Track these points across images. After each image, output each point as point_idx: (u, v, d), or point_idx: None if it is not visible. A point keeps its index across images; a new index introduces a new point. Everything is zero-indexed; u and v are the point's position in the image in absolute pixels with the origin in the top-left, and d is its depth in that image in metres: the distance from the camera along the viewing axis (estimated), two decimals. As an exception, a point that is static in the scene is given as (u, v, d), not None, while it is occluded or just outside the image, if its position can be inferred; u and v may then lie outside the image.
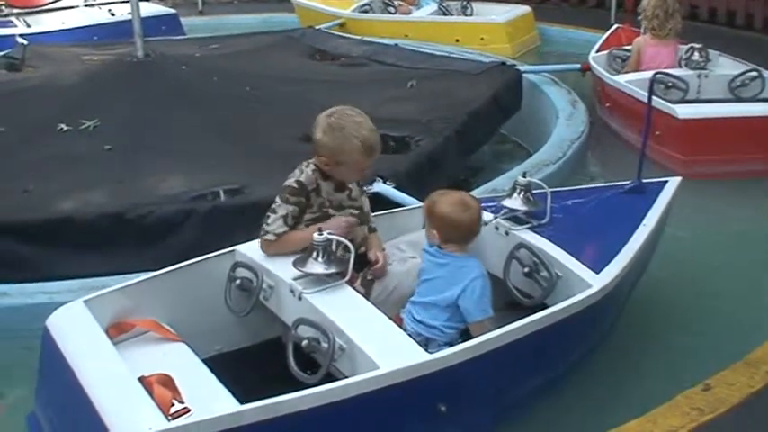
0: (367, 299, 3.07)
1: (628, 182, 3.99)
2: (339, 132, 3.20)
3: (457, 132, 5.52)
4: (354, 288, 3.11)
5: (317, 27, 9.27)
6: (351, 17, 10.36)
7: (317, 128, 3.26)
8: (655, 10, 6.53)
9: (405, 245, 3.53)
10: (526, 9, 10.18)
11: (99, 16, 10.42)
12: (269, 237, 3.23)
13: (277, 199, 3.28)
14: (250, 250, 3.33)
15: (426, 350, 2.82)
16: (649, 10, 6.56)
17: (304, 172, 3.29)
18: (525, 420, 3.16)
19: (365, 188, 3.56)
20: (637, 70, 6.52)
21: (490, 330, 2.91)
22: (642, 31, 6.73)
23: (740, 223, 5.05)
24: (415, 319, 3.17)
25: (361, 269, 3.31)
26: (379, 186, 4.45)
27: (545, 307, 3.07)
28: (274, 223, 3.23)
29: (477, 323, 3.09)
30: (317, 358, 2.88)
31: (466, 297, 3.11)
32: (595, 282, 3.15)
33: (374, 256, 3.36)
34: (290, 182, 3.28)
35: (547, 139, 5.94)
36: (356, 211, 3.40)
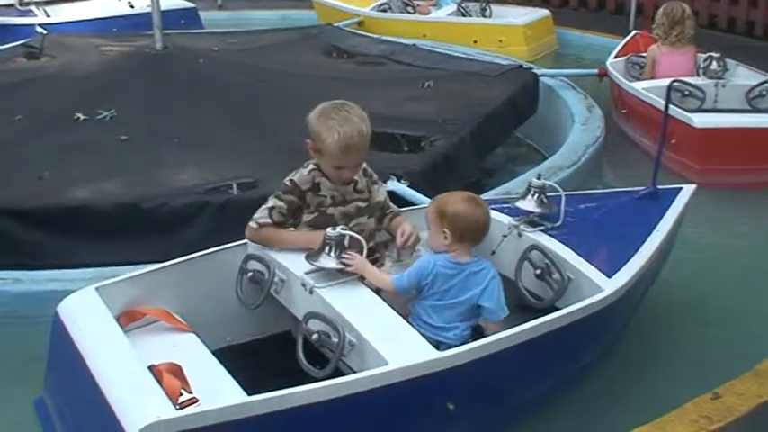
0: (378, 295, 3.07)
1: (642, 188, 3.98)
2: (325, 120, 3.22)
3: (472, 133, 5.52)
4: (365, 284, 3.11)
5: (335, 24, 9.28)
6: (369, 16, 10.37)
7: (314, 110, 3.29)
8: (661, 17, 6.58)
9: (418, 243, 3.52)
10: (545, 13, 10.20)
11: (118, 8, 10.49)
12: (251, 223, 3.30)
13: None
14: (262, 243, 3.34)
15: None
16: (658, 18, 6.62)
17: (299, 172, 3.32)
18: (531, 424, 3.15)
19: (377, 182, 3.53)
20: (652, 79, 6.51)
21: (500, 331, 2.92)
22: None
23: (753, 233, 5.02)
24: (425, 322, 3.15)
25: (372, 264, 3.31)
26: (393, 185, 4.45)
27: (556, 309, 3.06)
28: (260, 213, 3.30)
29: (498, 322, 3.10)
30: (326, 353, 2.88)
31: (486, 297, 3.12)
32: (607, 286, 3.15)
33: (402, 230, 3.38)
34: (286, 179, 3.32)
35: (562, 143, 5.92)
36: (363, 204, 3.39)
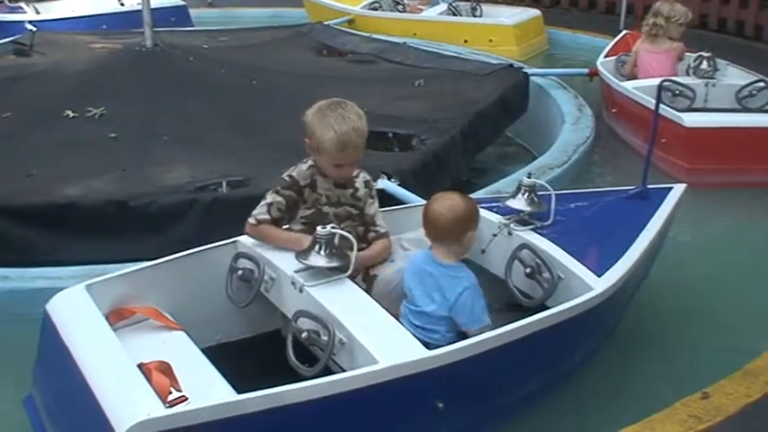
0: (368, 294, 3.07)
1: (632, 187, 3.99)
2: (322, 117, 3.21)
3: (462, 132, 5.52)
4: (356, 283, 3.10)
5: (325, 23, 9.28)
6: (360, 14, 10.37)
7: (311, 108, 3.28)
8: (648, 12, 6.69)
9: (408, 242, 3.51)
10: (535, 12, 10.21)
11: (108, 5, 10.46)
12: (251, 219, 3.30)
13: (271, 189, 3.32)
14: (253, 241, 3.33)
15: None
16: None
17: (298, 167, 3.32)
18: (521, 423, 3.15)
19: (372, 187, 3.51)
20: (632, 74, 6.63)
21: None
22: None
23: (742, 233, 5.03)
24: (412, 323, 3.15)
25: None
26: (383, 183, 4.45)
27: (546, 308, 3.06)
28: (259, 209, 3.30)
29: (475, 331, 3.04)
30: (315, 352, 2.88)
31: (458, 311, 3.07)
32: (597, 285, 3.15)
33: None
34: (284, 174, 3.32)
35: (552, 142, 5.93)
36: (355, 211, 3.37)
